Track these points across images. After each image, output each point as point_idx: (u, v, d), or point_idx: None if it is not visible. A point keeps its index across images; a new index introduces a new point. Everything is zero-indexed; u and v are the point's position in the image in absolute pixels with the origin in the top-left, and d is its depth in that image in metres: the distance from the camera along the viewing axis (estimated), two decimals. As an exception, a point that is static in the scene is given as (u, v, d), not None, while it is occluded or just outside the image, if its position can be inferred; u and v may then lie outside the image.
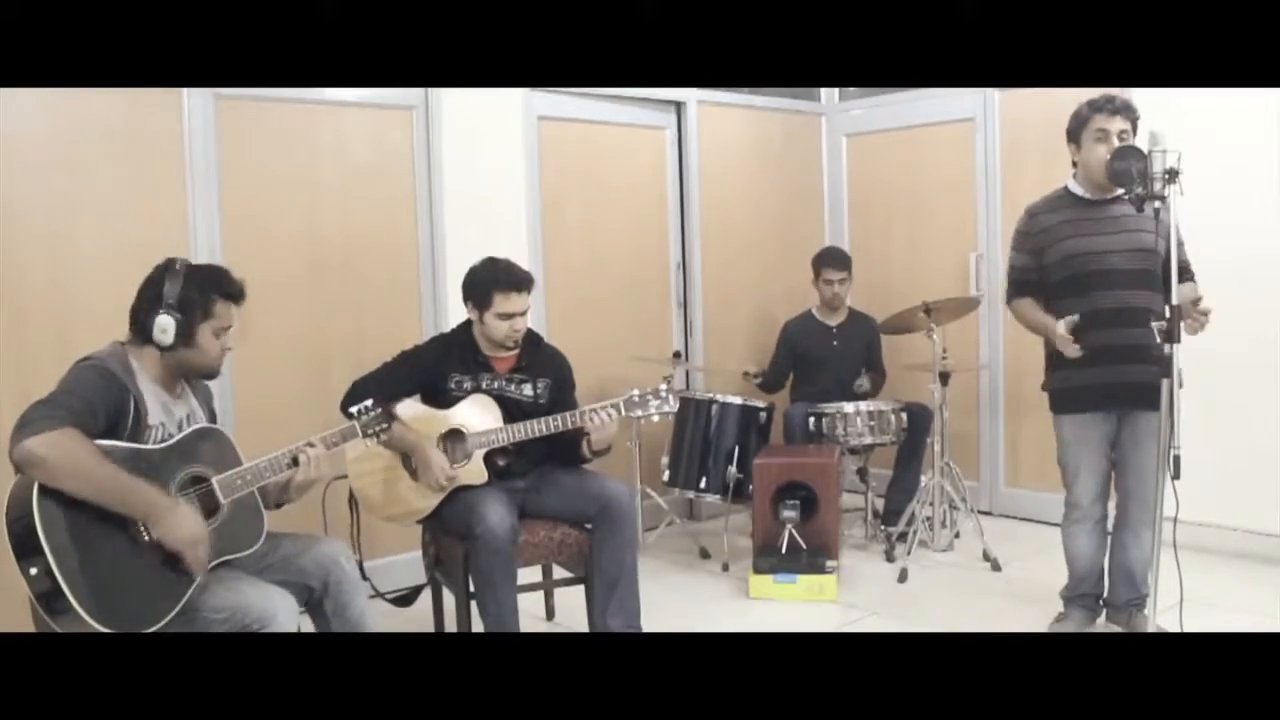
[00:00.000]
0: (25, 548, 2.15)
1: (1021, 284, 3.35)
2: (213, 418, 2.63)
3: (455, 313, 4.00)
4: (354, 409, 2.71)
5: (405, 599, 3.21)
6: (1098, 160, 3.11)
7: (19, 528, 2.16)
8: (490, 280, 3.23)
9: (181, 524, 2.27)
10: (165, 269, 2.46)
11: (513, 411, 3.23)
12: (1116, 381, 3.17)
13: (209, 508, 2.41)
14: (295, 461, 2.54)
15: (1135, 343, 3.14)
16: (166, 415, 2.45)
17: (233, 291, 2.52)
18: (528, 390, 3.31)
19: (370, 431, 2.69)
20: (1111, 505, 3.37)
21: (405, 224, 4.19)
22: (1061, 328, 3.13)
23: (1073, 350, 3.13)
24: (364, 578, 2.74)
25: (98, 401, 2.27)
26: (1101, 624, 3.48)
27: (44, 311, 3.35)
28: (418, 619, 3.52)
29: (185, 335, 2.43)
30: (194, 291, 2.44)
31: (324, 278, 3.98)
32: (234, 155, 3.74)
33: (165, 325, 2.39)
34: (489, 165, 4.37)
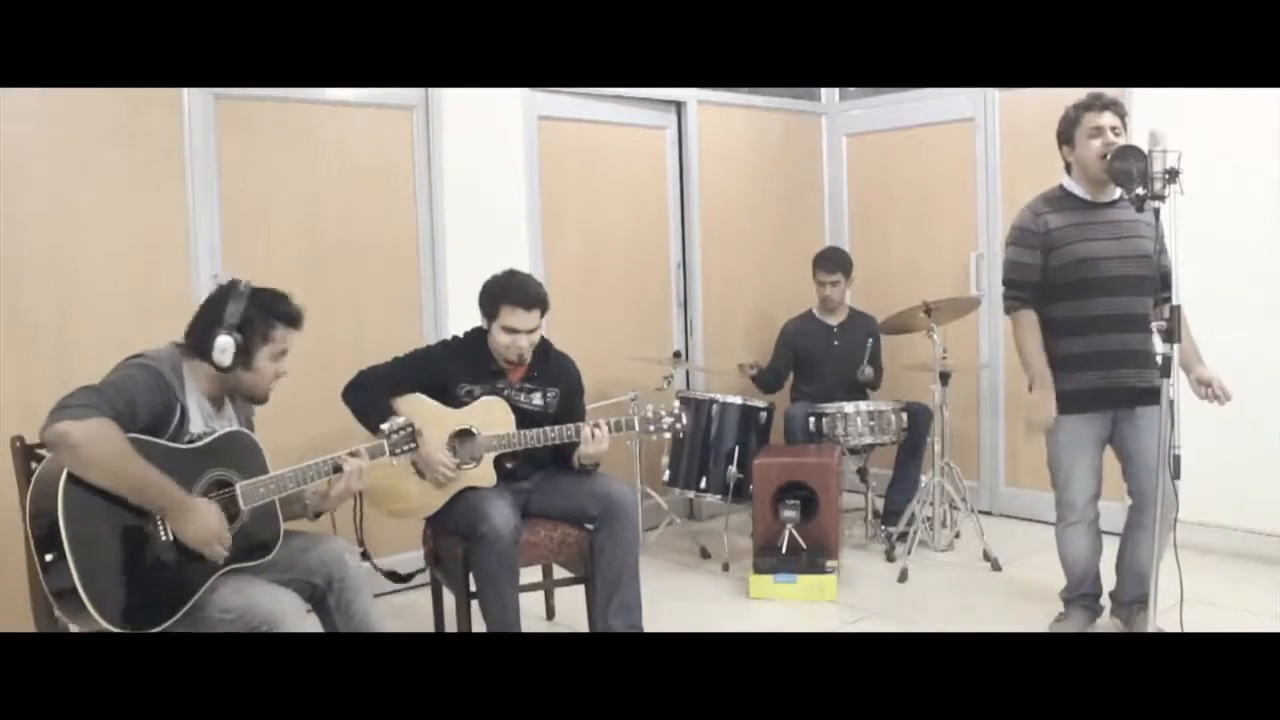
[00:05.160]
0: (45, 537, 2.16)
1: (1022, 285, 3.27)
2: (250, 429, 2.64)
3: (455, 313, 4.01)
4: (385, 426, 2.72)
5: (401, 576, 3.21)
6: (1094, 155, 3.13)
7: (42, 517, 2.17)
8: (501, 292, 3.21)
9: (199, 522, 2.28)
10: (229, 289, 2.47)
11: (522, 420, 3.22)
12: (1110, 386, 3.18)
13: (230, 513, 2.41)
14: (337, 469, 2.55)
15: (1132, 348, 3.16)
16: (208, 426, 2.46)
17: (293, 316, 2.53)
18: (536, 399, 3.31)
19: (399, 450, 2.72)
20: (1103, 505, 3.37)
21: (405, 224, 4.19)
22: (1050, 411, 3.21)
23: (1046, 423, 3.24)
24: (366, 558, 2.75)
25: (141, 402, 2.28)
26: (1103, 623, 3.48)
27: (44, 311, 3.35)
28: (418, 619, 3.52)
29: (244, 357, 2.44)
30: (255, 314, 2.45)
31: (324, 278, 3.98)
32: (234, 155, 3.74)
33: (225, 346, 2.40)
34: (489, 165, 4.37)
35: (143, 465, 2.22)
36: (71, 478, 2.16)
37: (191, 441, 2.39)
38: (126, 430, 2.22)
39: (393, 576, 3.17)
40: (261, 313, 2.47)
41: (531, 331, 3.23)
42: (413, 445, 2.74)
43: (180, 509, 2.26)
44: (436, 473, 3.11)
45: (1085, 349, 3.19)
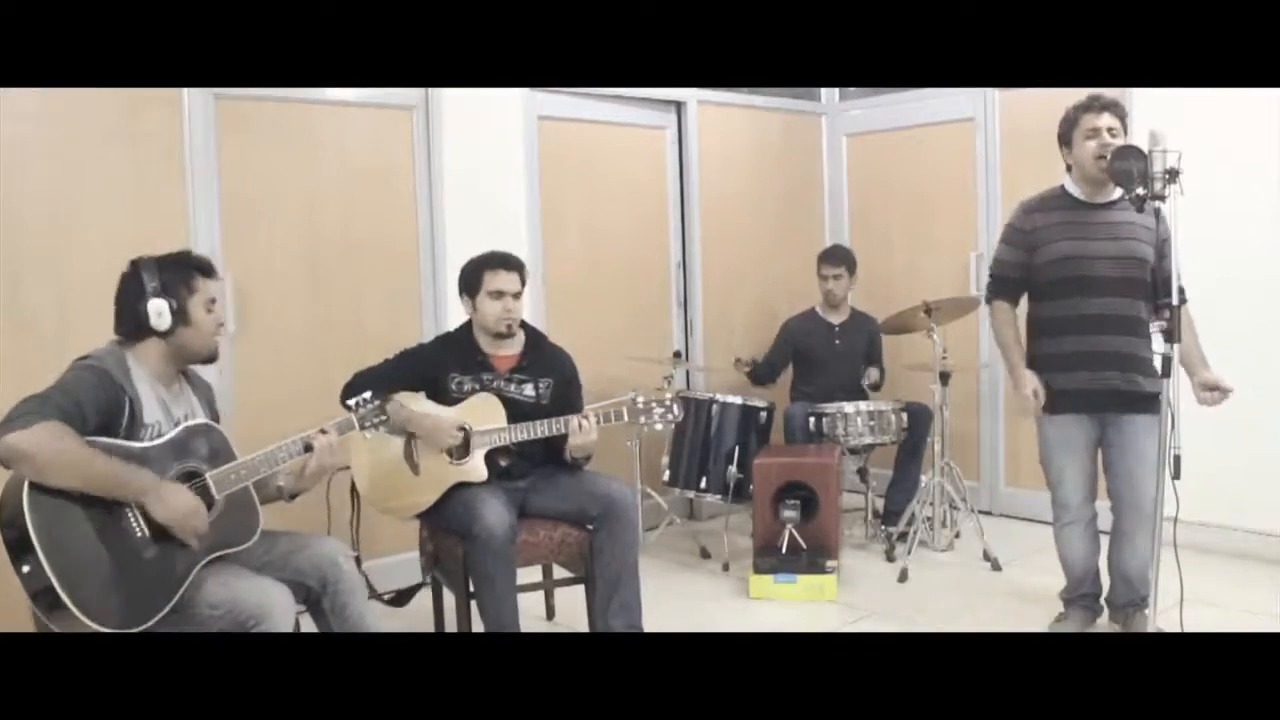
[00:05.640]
0: (17, 546, 2.16)
1: (1002, 280, 3.37)
2: (214, 417, 2.64)
3: (455, 312, 4.00)
4: (351, 401, 2.73)
5: (399, 599, 3.21)
6: (1089, 156, 3.14)
7: (10, 526, 2.17)
8: (480, 262, 3.29)
9: (172, 499, 2.30)
10: (135, 266, 2.49)
11: (514, 412, 3.22)
12: (1095, 388, 3.19)
13: (204, 503, 2.41)
14: (308, 448, 2.56)
15: (1117, 350, 3.16)
16: (164, 414, 2.45)
17: (203, 265, 2.57)
18: (528, 390, 3.31)
19: (367, 424, 2.72)
20: (1099, 505, 3.37)
21: (405, 224, 4.19)
22: (1029, 389, 3.22)
23: (1030, 407, 3.24)
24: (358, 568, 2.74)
25: (88, 401, 2.28)
26: (1103, 623, 3.48)
27: (44, 311, 3.35)
28: (418, 619, 3.52)
29: (180, 314, 2.46)
30: (170, 275, 2.48)
31: (324, 278, 3.98)
32: (234, 155, 3.74)
33: (160, 309, 2.43)
34: (489, 165, 4.37)
35: (102, 458, 2.24)
36: (34, 487, 2.17)
37: (155, 436, 2.40)
38: (78, 430, 2.23)
39: (395, 601, 3.17)
40: (175, 271, 2.50)
41: (516, 296, 3.26)
42: (382, 418, 2.74)
43: (150, 492, 2.28)
44: (443, 438, 3.12)
45: (1071, 349, 3.20)
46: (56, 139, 3.38)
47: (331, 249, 4.00)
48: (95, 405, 2.30)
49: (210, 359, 2.60)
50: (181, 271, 2.50)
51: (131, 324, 2.46)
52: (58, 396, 2.26)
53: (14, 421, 2.18)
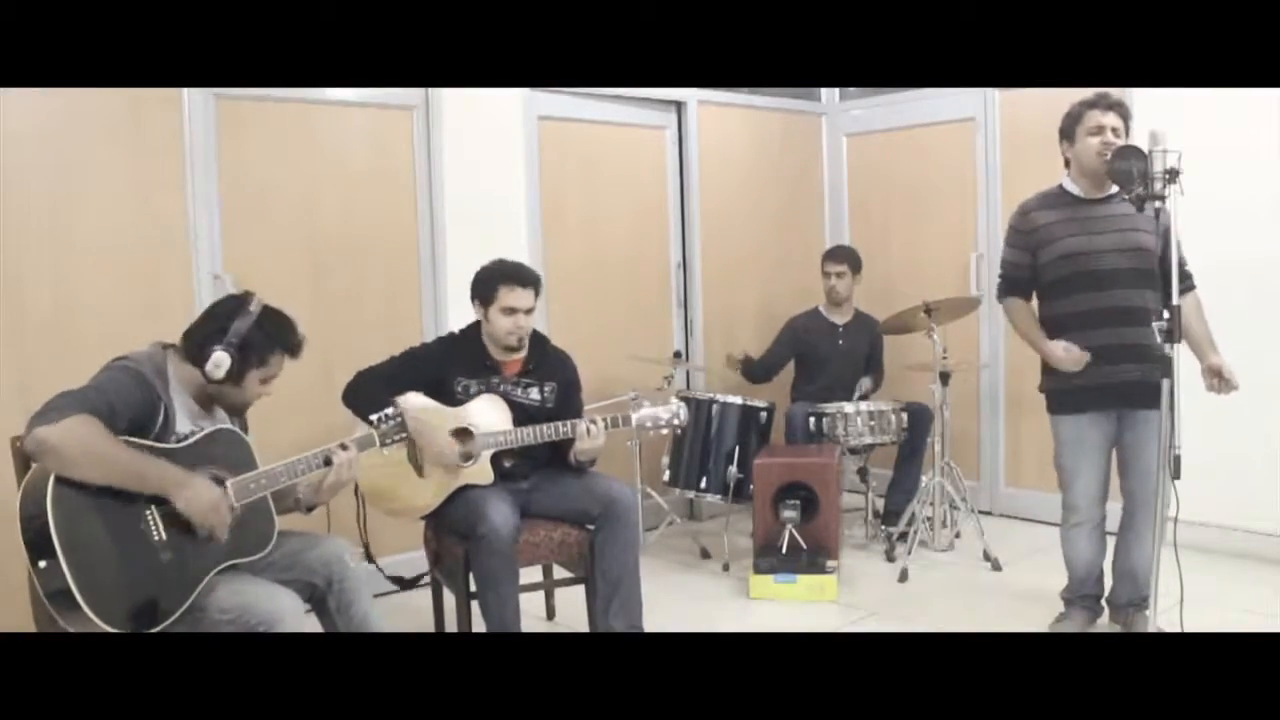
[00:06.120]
0: (37, 543, 2.15)
1: (1013, 280, 3.38)
2: (243, 428, 2.64)
3: (455, 313, 4.01)
4: (374, 417, 2.72)
5: (406, 581, 3.21)
6: (1090, 152, 3.15)
7: (32, 522, 2.16)
8: (497, 274, 3.25)
9: (199, 493, 2.29)
10: (239, 305, 2.47)
11: (519, 415, 3.23)
12: (1113, 382, 3.18)
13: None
14: (327, 461, 2.56)
15: (1132, 342, 3.15)
16: (195, 425, 2.46)
17: (294, 346, 2.54)
18: (534, 394, 3.31)
19: (389, 440, 2.72)
20: (1113, 506, 3.37)
21: (405, 224, 4.19)
22: (1060, 350, 3.20)
23: (1072, 365, 3.19)
24: (370, 559, 2.73)
25: (121, 404, 2.28)
26: (1103, 623, 3.48)
27: (44, 311, 3.35)
28: (418, 619, 3.52)
29: (235, 376, 2.45)
30: (259, 337, 2.46)
31: (324, 278, 3.98)
32: (234, 155, 3.74)
33: (220, 361, 2.41)
34: (489, 165, 4.37)
35: (129, 450, 2.23)
36: (59, 481, 2.16)
37: (180, 441, 2.39)
38: (109, 429, 2.22)
39: (398, 581, 3.17)
40: (265, 338, 2.48)
41: (529, 312, 3.25)
42: (403, 435, 2.75)
43: (178, 484, 2.27)
44: (444, 461, 3.12)
45: (1084, 345, 3.19)
46: (56, 139, 3.38)
47: (331, 249, 4.00)
48: (129, 408, 2.29)
49: (237, 414, 2.61)
50: (269, 341, 2.48)
51: (193, 349, 2.44)
52: (92, 395, 2.25)
53: (44, 416, 2.18)
